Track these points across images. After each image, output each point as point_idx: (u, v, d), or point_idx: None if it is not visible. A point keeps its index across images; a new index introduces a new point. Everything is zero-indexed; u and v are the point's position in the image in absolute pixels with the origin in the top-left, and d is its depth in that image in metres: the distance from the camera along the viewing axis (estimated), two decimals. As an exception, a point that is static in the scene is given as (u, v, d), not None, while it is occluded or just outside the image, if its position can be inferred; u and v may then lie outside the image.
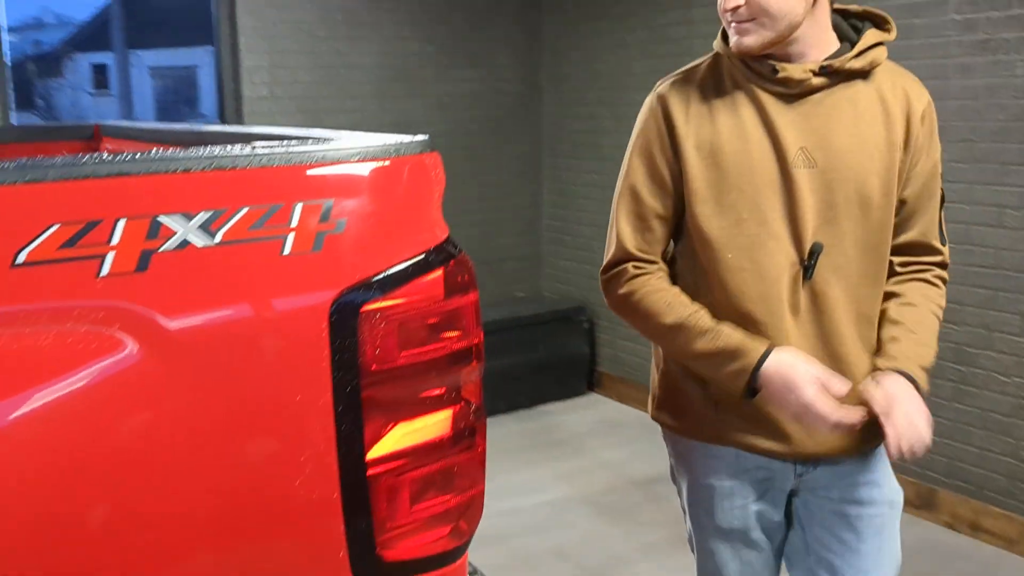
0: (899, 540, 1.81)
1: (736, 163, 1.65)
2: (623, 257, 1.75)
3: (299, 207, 1.12)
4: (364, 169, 1.19)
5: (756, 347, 1.63)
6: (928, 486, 3.68)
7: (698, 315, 1.68)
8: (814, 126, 1.65)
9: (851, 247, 1.66)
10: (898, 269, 1.77)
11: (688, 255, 1.75)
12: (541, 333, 5.32)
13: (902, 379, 1.62)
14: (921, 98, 1.71)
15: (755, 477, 1.76)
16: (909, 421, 1.56)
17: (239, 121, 4.82)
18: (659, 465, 4.40)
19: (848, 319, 1.68)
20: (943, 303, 1.77)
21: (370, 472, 1.17)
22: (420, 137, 1.27)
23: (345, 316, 1.13)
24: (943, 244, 1.78)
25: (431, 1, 5.16)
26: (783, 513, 1.81)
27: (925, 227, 1.75)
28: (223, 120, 4.90)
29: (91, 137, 2.67)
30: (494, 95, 5.44)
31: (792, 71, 1.64)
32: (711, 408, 1.74)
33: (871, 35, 1.68)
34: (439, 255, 1.24)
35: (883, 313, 1.74)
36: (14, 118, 4.79)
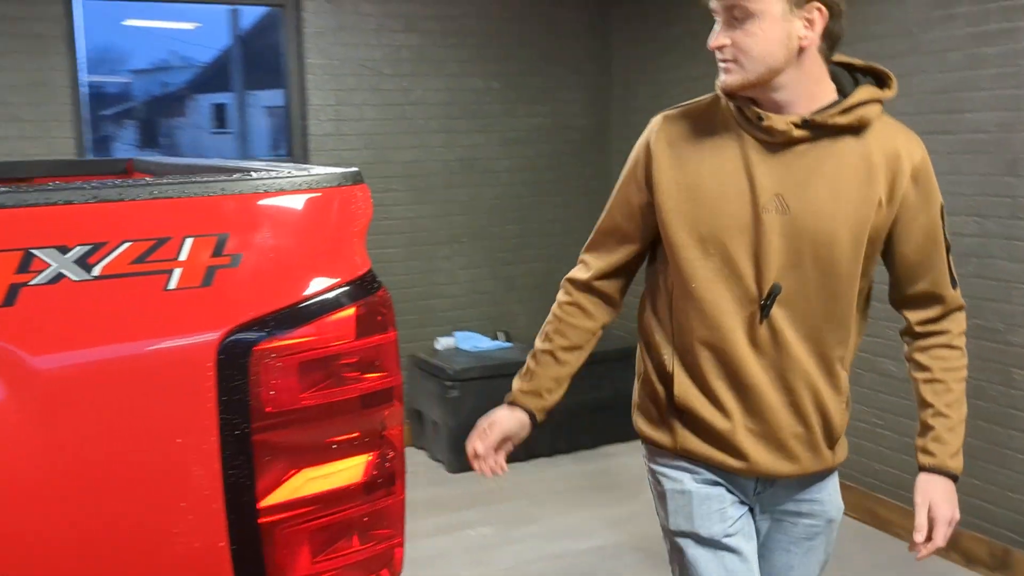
0: (831, 546, 1.95)
1: (711, 200, 1.72)
2: (582, 259, 1.95)
3: (189, 241, 1.08)
4: (269, 202, 1.14)
5: (511, 396, 1.92)
6: (1002, 545, 3.41)
7: (539, 353, 1.91)
8: (792, 175, 1.69)
9: (815, 294, 1.72)
10: (917, 330, 1.86)
11: (662, 276, 1.84)
12: (607, 371, 5.17)
13: (942, 481, 1.79)
14: (912, 156, 1.73)
15: (726, 485, 1.85)
16: (945, 535, 1.77)
17: (305, 158, 4.90)
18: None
19: (808, 359, 1.76)
20: (965, 360, 1.86)
21: (264, 520, 1.11)
22: (343, 169, 1.22)
23: (234, 355, 1.08)
24: (954, 287, 1.84)
25: (497, 38, 5.16)
26: (752, 527, 1.90)
27: (935, 278, 1.81)
28: (291, 156, 4.99)
29: (124, 171, 2.72)
30: (561, 130, 5.40)
31: (776, 121, 1.67)
32: (677, 420, 1.84)
33: (863, 92, 1.70)
34: (353, 292, 1.18)
35: (914, 384, 1.86)
36: (134, 154, 4.96)
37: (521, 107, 5.26)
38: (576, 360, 1.92)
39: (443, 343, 5.11)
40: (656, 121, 1.83)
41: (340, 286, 1.17)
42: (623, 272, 1.92)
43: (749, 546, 1.85)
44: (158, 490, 1.06)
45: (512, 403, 1.91)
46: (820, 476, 1.86)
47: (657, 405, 1.86)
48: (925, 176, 1.74)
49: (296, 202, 1.16)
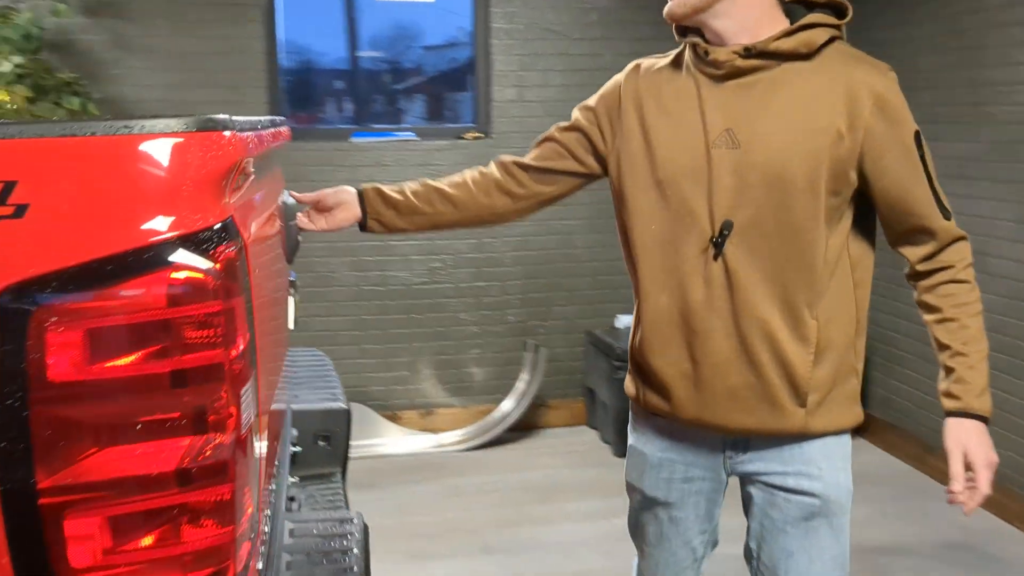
0: (842, 539, 1.81)
1: (666, 143, 1.74)
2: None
3: (-32, 189, 0.98)
4: (77, 150, 1.02)
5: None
6: None
7: (423, 182, 1.97)
8: (742, 107, 1.68)
9: (773, 231, 1.67)
10: (919, 269, 1.78)
11: (621, 228, 1.85)
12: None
13: (972, 424, 1.71)
14: (874, 86, 1.65)
15: (684, 455, 1.86)
16: (987, 480, 1.70)
17: (488, 125, 4.82)
18: (896, 533, 3.76)
19: (768, 303, 1.69)
20: (977, 293, 1.76)
21: (45, 501, 1.00)
22: (180, 118, 1.07)
23: (7, 316, 0.97)
24: (948, 219, 1.73)
25: (696, -3, 4.81)
26: (713, 499, 1.89)
27: (922, 211, 1.71)
28: (475, 123, 4.92)
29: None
30: (767, 98, 4.95)
31: (719, 53, 1.68)
32: (638, 372, 1.87)
33: (810, 17, 1.67)
34: (171, 254, 1.03)
35: (928, 328, 1.79)
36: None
37: (720, 72, 4.88)
38: (437, 208, 1.93)
39: (622, 321, 4.88)
40: (628, 68, 1.86)
41: (156, 246, 1.03)
42: (543, 177, 1.94)
43: (687, 515, 1.89)
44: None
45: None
46: (796, 440, 1.76)
47: (631, 359, 1.90)
48: (892, 105, 1.66)
49: (110, 151, 1.03)
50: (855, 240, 1.74)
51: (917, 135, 1.68)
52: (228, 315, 1.07)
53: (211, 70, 4.56)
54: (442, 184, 1.97)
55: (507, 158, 1.97)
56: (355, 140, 4.75)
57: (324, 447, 2.38)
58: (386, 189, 1.96)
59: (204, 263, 1.05)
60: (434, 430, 4.85)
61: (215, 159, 1.10)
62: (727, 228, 1.67)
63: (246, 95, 4.62)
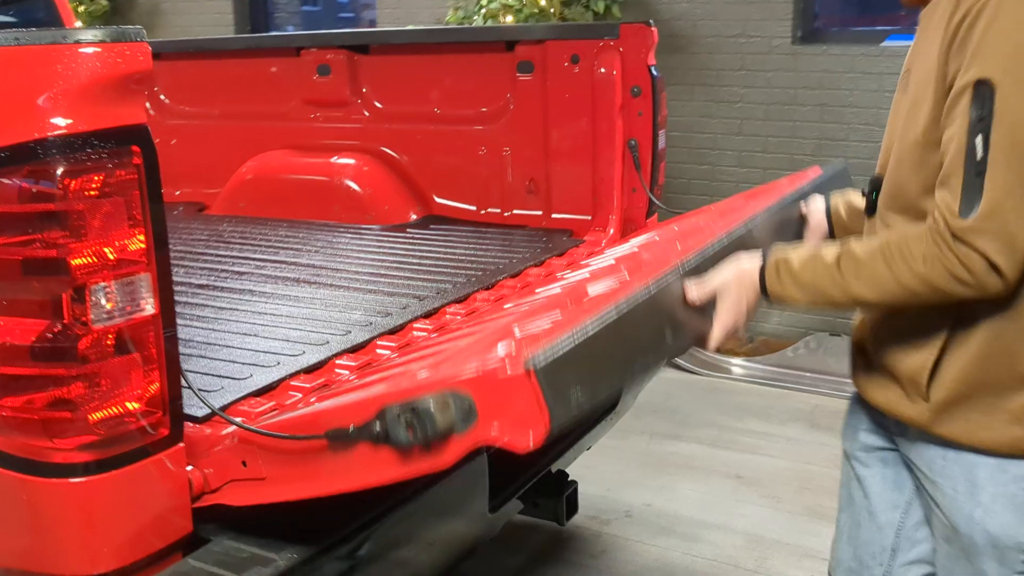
0: None
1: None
2: None
3: None
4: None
5: None
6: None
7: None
8: (916, 47, 1.54)
9: (914, 191, 1.47)
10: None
11: None
12: None
13: (749, 274, 1.55)
14: (982, 4, 1.33)
15: (869, 412, 1.74)
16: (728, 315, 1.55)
17: None
18: None
19: None
20: (882, 271, 1.42)
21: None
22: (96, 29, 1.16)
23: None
24: (962, 215, 1.36)
25: None
26: (901, 472, 1.71)
27: (941, 174, 1.40)
28: None
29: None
30: None
31: None
32: None
33: None
34: (32, 153, 1.15)
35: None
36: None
37: None
38: None
39: None
40: None
41: (18, 147, 1.15)
42: None
43: (871, 475, 1.74)
44: None
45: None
46: (926, 440, 1.55)
47: None
48: (973, 29, 1.33)
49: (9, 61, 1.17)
50: None
51: (979, 85, 1.30)
52: (76, 216, 1.16)
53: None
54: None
55: None
56: (887, 44, 4.19)
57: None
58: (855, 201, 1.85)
59: (59, 166, 1.15)
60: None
61: (98, 71, 1.16)
62: (875, 184, 1.57)
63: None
